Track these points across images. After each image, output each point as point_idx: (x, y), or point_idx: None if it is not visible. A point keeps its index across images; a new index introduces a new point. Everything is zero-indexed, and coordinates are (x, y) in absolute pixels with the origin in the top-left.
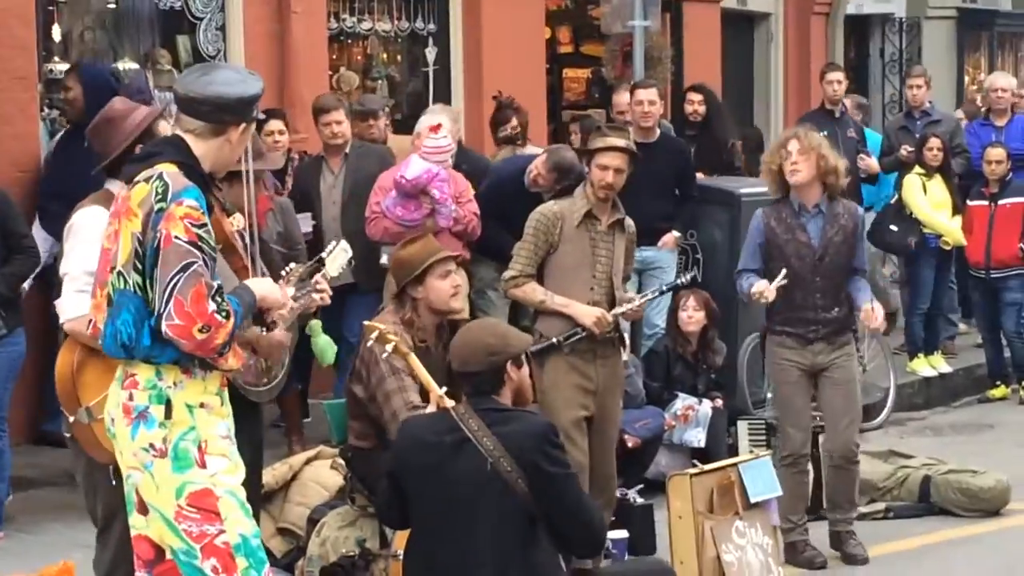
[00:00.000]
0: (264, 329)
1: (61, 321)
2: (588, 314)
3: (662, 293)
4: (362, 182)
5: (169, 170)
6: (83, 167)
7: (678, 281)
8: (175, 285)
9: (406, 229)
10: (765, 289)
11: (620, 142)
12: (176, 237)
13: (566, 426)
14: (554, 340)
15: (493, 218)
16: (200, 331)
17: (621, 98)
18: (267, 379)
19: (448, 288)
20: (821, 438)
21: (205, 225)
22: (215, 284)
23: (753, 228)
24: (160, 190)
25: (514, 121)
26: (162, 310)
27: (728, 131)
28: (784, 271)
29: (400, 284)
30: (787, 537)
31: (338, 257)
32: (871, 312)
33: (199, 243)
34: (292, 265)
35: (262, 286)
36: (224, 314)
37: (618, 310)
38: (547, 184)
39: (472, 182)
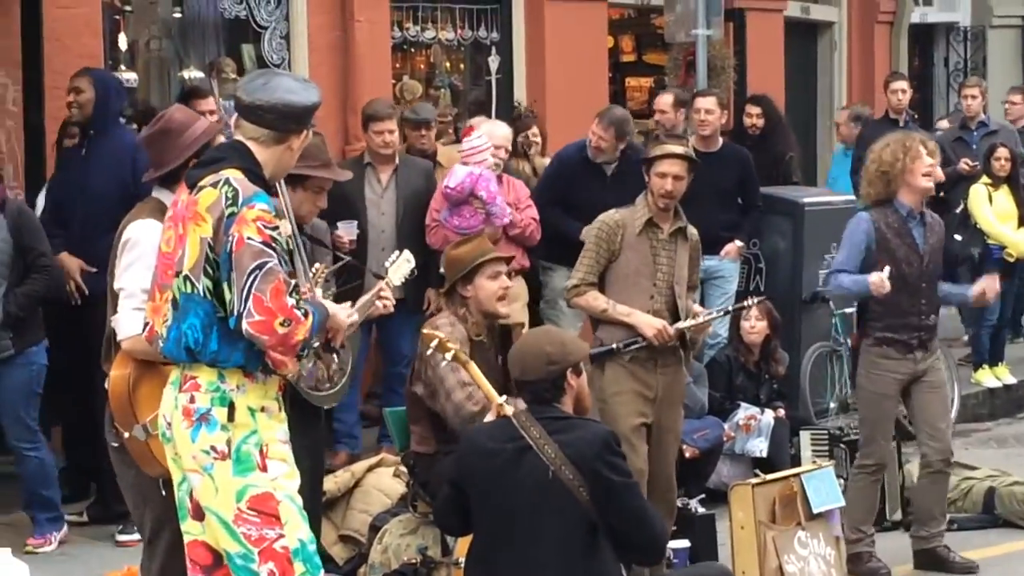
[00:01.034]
0: (335, 354)
1: (120, 338)
2: (650, 324)
3: (727, 313)
4: (412, 198)
5: (235, 175)
6: (78, 175)
7: (746, 303)
8: (253, 282)
9: (464, 237)
10: (884, 279)
11: (678, 149)
12: (249, 239)
13: (626, 433)
14: (614, 346)
15: (556, 206)
16: (282, 325)
17: (663, 99)
18: (329, 384)
19: (496, 289)
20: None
21: (277, 228)
22: (292, 282)
23: (858, 231)
24: (230, 195)
25: (534, 129)
26: (242, 309)
27: (787, 145)
28: (888, 268)
29: (451, 281)
30: (855, 547)
31: (401, 267)
32: (988, 283)
33: (273, 244)
34: (317, 265)
35: (334, 307)
36: (303, 311)
37: (681, 325)
38: (610, 146)
39: None
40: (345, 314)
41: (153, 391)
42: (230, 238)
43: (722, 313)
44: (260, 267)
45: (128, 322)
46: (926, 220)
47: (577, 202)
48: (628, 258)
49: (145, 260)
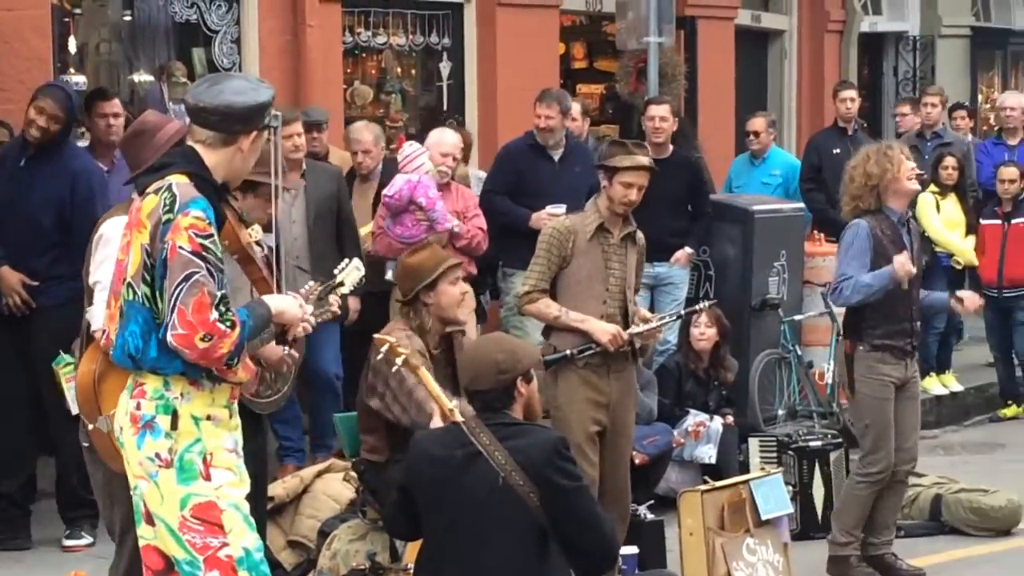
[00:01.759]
0: (287, 346)
1: (92, 329)
2: (604, 331)
3: (679, 318)
4: (322, 203)
5: (179, 181)
6: (16, 190)
7: (697, 307)
8: (178, 295)
9: (407, 246)
10: (907, 259)
11: (646, 160)
12: (180, 247)
13: (580, 440)
14: (567, 352)
15: (505, 195)
16: (202, 340)
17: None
18: (272, 391)
19: (458, 294)
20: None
21: (211, 236)
22: (219, 294)
23: (860, 238)
24: (168, 201)
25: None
26: (167, 320)
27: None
28: (905, 252)
29: (413, 290)
30: (842, 550)
31: (351, 274)
32: (970, 300)
33: (203, 253)
34: (311, 283)
35: (279, 301)
36: (229, 324)
37: (634, 330)
38: (557, 123)
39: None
40: (297, 305)
41: (117, 385)
42: (165, 246)
43: (674, 317)
44: (187, 278)
45: (102, 314)
46: (911, 226)
47: (527, 189)
48: (580, 264)
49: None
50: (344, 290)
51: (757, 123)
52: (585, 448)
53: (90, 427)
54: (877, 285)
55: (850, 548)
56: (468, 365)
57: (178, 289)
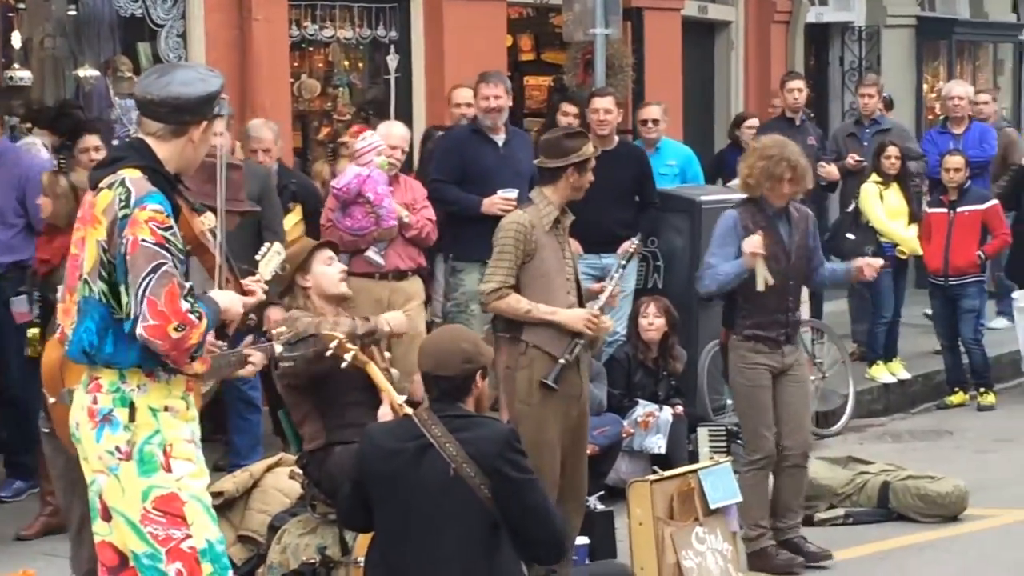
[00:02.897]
0: (225, 341)
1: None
2: (578, 318)
3: (623, 267)
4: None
5: (132, 175)
6: None
7: (630, 248)
8: (147, 286)
9: (357, 238)
10: (757, 240)
11: (592, 149)
12: (143, 240)
13: (551, 440)
14: (562, 361)
15: (451, 183)
16: (176, 330)
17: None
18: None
19: (334, 272)
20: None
21: (171, 228)
22: (187, 285)
23: (726, 228)
24: (123, 197)
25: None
26: (137, 312)
27: None
28: (760, 232)
29: (291, 274)
30: (757, 544)
31: (272, 260)
32: (869, 266)
33: (167, 245)
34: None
35: (224, 298)
36: (197, 315)
37: (597, 302)
38: (504, 102)
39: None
40: (239, 301)
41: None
42: (124, 240)
43: (621, 268)
44: (155, 269)
45: None
46: (792, 216)
47: (473, 176)
48: (543, 257)
49: None
50: (266, 276)
51: (653, 111)
52: (555, 446)
53: (51, 400)
54: (731, 273)
55: (764, 540)
56: (433, 351)
57: (146, 281)
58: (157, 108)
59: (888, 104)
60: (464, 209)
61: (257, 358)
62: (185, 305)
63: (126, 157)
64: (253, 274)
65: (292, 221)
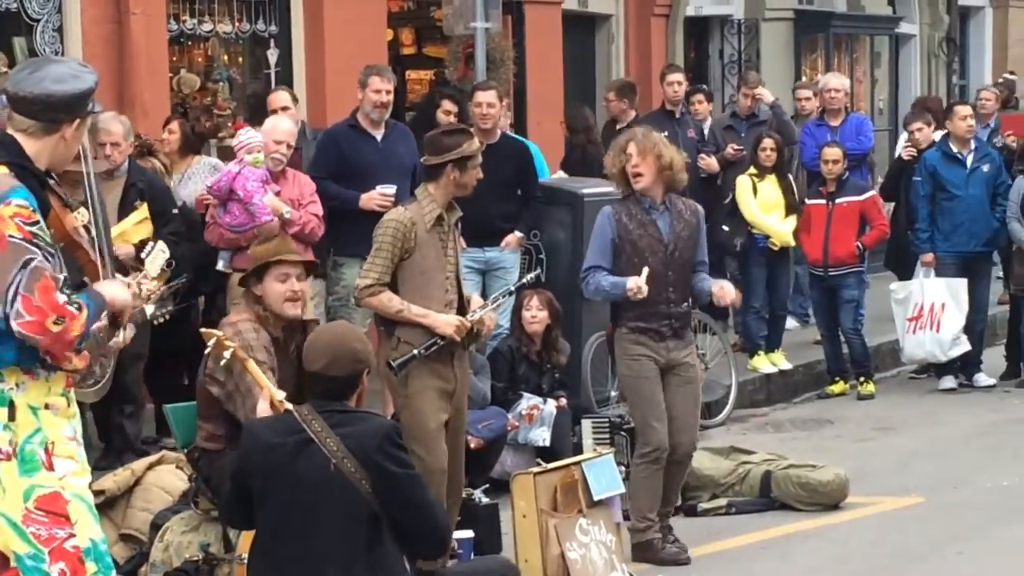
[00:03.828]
0: (120, 331)
1: None
2: (447, 323)
3: (510, 294)
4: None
5: None
6: None
7: (524, 280)
8: (19, 283)
9: (237, 235)
10: (642, 283)
11: (478, 144)
12: (10, 236)
13: (433, 430)
14: (415, 352)
15: (329, 178)
16: (55, 323)
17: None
18: (92, 380)
19: (283, 291)
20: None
21: (38, 222)
22: (60, 277)
23: (602, 225)
24: None
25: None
26: (9, 310)
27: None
28: (647, 269)
29: (245, 279)
30: (643, 535)
31: (157, 258)
32: (723, 290)
33: (34, 240)
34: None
35: (110, 288)
36: (76, 306)
37: (473, 317)
38: (391, 97)
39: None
40: (125, 291)
41: None
42: None
43: (505, 295)
44: (24, 265)
45: None
46: (675, 208)
47: (352, 171)
48: (423, 255)
49: None
50: (153, 274)
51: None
52: (437, 437)
53: None
54: (613, 293)
55: (651, 532)
56: (324, 350)
57: (17, 277)
58: (30, 105)
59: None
60: (343, 204)
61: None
62: (61, 297)
63: None
64: (139, 270)
65: (135, 220)
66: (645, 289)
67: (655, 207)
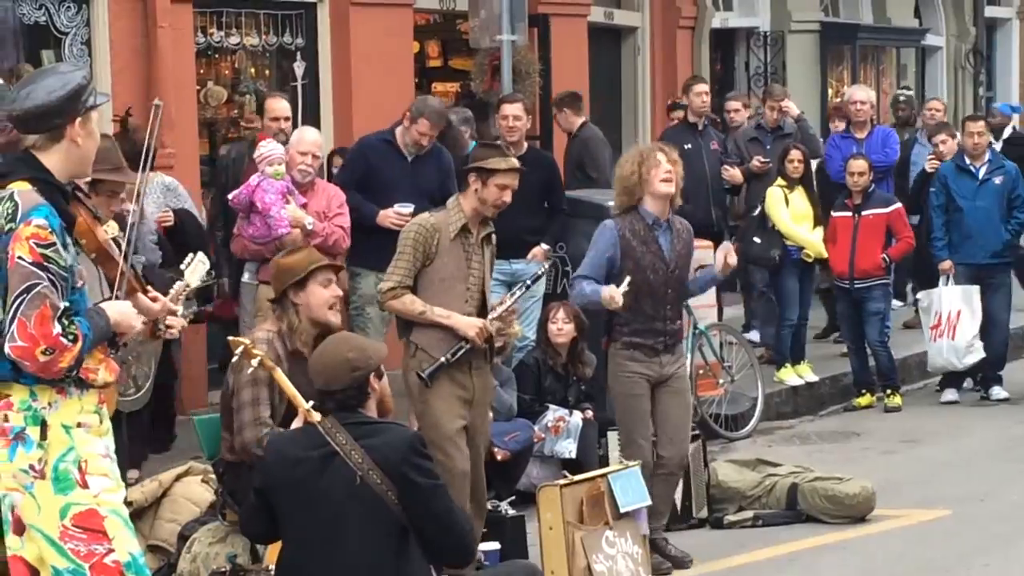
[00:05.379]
0: (115, 349)
1: None
2: (470, 325)
3: (528, 287)
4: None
5: (22, 188)
6: None
7: (538, 271)
8: (19, 306)
9: (261, 246)
10: (616, 294)
11: (516, 162)
12: (20, 258)
13: (450, 435)
14: (443, 360)
15: (355, 188)
16: (44, 353)
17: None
18: (133, 389)
19: (328, 297)
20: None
21: (53, 244)
22: (61, 306)
23: (604, 239)
24: (9, 211)
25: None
26: (7, 331)
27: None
28: (628, 277)
29: (283, 288)
30: None
31: (197, 269)
32: (726, 252)
33: (45, 263)
34: (177, 284)
35: (116, 309)
36: (71, 337)
37: (493, 314)
38: (431, 139)
39: None
40: (133, 314)
41: None
42: (6, 256)
43: (523, 289)
44: (28, 290)
45: None
46: (674, 227)
47: (376, 185)
48: (444, 262)
49: None
50: (193, 284)
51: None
52: (457, 441)
53: None
54: (592, 300)
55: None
56: (320, 368)
57: (19, 300)
58: (28, 121)
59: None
60: (361, 216)
61: (175, 322)
62: (56, 328)
63: (15, 171)
64: (179, 281)
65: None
66: (618, 301)
67: (658, 224)
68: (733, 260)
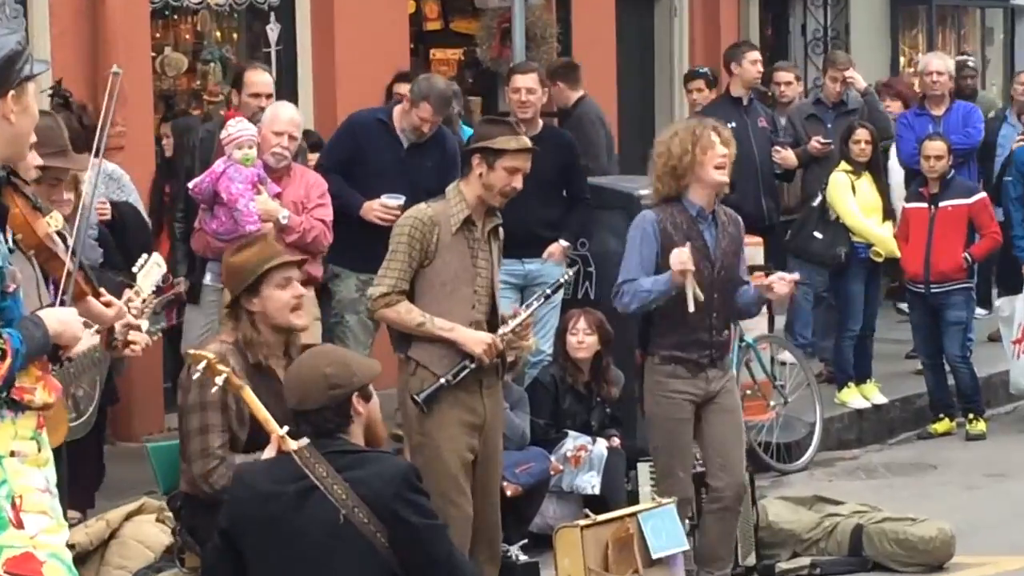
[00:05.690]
0: (59, 364)
1: None
2: (477, 341)
3: (547, 297)
4: None
5: None
6: None
7: (562, 278)
8: None
9: (225, 243)
10: (685, 253)
11: (529, 142)
12: None
13: (455, 472)
14: (442, 381)
15: (339, 172)
16: None
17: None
18: (76, 413)
19: (288, 299)
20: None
21: None
22: None
23: (644, 233)
24: None
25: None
26: None
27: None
28: (689, 243)
29: (234, 295)
30: None
31: (151, 272)
32: (780, 280)
33: None
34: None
35: (57, 317)
36: None
37: (504, 329)
38: (433, 126)
39: None
40: (78, 323)
41: None
42: None
43: (542, 299)
44: None
45: None
46: (719, 220)
47: (363, 171)
48: (446, 261)
49: None
50: (146, 290)
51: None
52: (460, 480)
53: None
54: (656, 291)
55: None
56: (294, 384)
57: None
58: None
59: None
60: (344, 207)
61: (139, 338)
62: None
63: None
64: (131, 287)
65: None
66: (689, 262)
67: (703, 216)
68: (782, 289)
